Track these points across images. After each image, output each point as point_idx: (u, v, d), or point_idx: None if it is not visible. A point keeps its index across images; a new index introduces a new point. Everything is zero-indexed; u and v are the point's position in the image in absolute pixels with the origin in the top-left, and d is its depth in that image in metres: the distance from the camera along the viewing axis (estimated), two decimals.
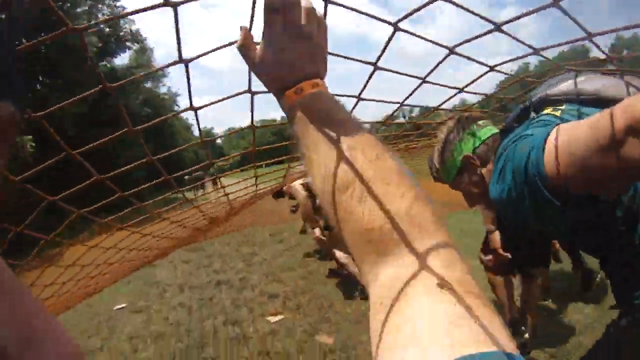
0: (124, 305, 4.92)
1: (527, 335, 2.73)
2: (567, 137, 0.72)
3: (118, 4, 21.96)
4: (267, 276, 5.30)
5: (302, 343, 3.45)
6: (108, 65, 22.84)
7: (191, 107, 0.79)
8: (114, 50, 22.80)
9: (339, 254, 4.26)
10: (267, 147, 1.25)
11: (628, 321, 0.98)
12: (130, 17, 23.98)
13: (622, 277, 0.99)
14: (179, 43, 0.62)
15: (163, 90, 34.35)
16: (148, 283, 5.67)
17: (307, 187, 4.17)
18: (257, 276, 5.37)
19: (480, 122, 1.23)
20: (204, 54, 0.70)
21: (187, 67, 0.68)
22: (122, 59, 25.67)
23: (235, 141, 62.78)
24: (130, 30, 23.91)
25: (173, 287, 5.41)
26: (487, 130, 1.21)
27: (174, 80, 45.75)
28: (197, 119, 0.88)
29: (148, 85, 28.48)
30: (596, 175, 0.71)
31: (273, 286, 4.91)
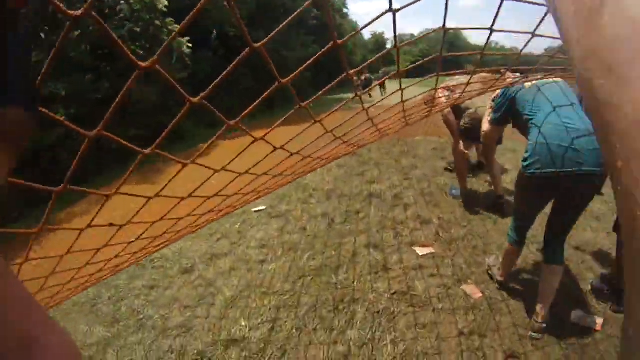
0: (263, 207, 4.80)
1: None
2: None
3: None
4: (424, 196, 4.54)
5: (447, 289, 2.83)
6: None
7: (390, 9, 0.76)
8: None
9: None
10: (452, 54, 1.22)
11: None
12: None
13: None
14: None
15: None
16: (294, 185, 5.45)
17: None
18: (413, 194, 4.65)
19: None
20: None
21: None
22: None
23: (408, 49, 59.28)
24: None
25: (320, 193, 5.09)
26: None
27: None
28: (394, 21, 0.82)
29: None
30: None
31: (428, 210, 4.16)
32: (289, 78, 0.80)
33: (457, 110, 4.10)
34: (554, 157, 2.05)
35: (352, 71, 0.90)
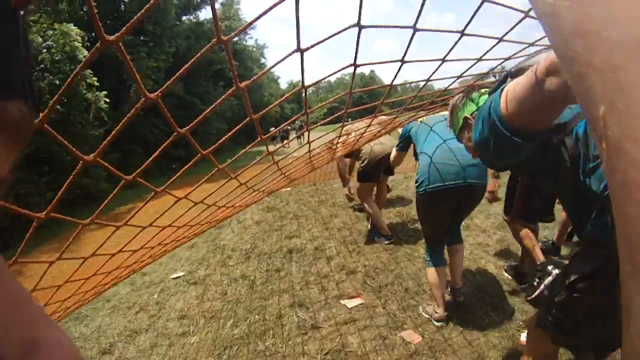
0: (181, 274, 4.41)
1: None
2: (513, 84, 0.85)
3: None
4: (347, 245, 4.45)
5: (383, 339, 2.65)
6: (193, 20, 22.88)
7: (298, 49, 0.81)
8: (199, 4, 22.53)
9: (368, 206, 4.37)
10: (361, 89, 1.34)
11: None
12: None
13: (574, 213, 1.16)
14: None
15: (250, 42, 34.72)
16: (212, 247, 5.11)
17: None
18: (335, 244, 4.53)
19: (482, 90, 1.43)
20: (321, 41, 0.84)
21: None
22: (207, 13, 25.67)
23: (323, 94, 62.03)
24: None
25: (238, 253, 4.77)
26: (485, 97, 1.36)
27: (261, 33, 46.43)
28: (301, 61, 0.87)
29: (235, 39, 28.83)
30: (528, 109, 0.81)
31: (352, 259, 4.05)
32: (188, 127, 0.87)
33: (354, 152, 4.28)
34: (441, 174, 2.42)
35: (255, 116, 0.97)
